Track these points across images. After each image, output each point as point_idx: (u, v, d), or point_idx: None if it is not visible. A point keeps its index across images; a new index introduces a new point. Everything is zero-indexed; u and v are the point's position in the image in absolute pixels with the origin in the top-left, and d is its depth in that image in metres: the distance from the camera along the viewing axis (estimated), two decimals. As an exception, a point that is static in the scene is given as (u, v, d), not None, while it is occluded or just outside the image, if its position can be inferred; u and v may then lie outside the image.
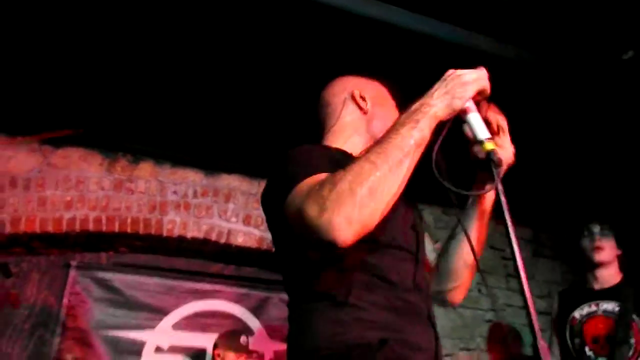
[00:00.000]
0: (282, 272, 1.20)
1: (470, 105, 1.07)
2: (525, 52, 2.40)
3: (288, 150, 1.15)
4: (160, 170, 3.47)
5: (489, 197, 1.22)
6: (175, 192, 3.47)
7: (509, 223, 1.03)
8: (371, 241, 1.09)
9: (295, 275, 1.15)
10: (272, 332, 3.72)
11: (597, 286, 2.55)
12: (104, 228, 3.23)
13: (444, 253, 1.30)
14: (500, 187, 1.02)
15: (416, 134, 0.99)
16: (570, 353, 2.49)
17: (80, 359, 2.97)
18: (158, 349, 3.46)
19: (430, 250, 1.36)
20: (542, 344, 0.92)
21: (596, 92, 2.67)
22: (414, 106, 1.04)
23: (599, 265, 2.54)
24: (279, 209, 1.07)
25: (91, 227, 3.21)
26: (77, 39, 2.41)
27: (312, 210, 0.94)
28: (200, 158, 3.50)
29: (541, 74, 2.47)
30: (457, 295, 1.30)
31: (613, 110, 2.83)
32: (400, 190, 0.99)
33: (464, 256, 1.26)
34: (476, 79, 1.06)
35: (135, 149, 3.39)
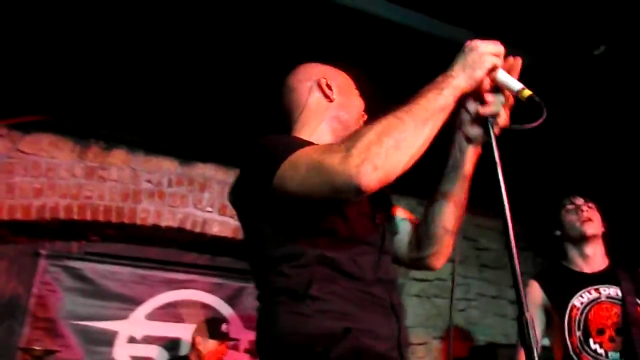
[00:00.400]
0: (253, 273, 1.23)
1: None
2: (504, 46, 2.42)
3: (259, 140, 1.16)
4: (134, 158, 3.41)
5: (471, 161, 1.24)
6: (149, 181, 3.41)
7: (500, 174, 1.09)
8: (330, 235, 1.12)
9: (260, 271, 1.17)
10: (247, 321, 3.72)
11: (587, 269, 2.16)
12: (75, 216, 3.17)
13: (424, 219, 1.31)
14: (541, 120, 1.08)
15: (441, 100, 1.05)
16: (567, 348, 2.05)
17: (50, 350, 2.90)
18: (131, 339, 3.43)
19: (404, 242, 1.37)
20: (528, 315, 0.94)
21: (568, 87, 2.72)
22: (438, 78, 1.09)
23: (589, 240, 2.16)
24: (262, 190, 1.08)
25: (62, 215, 3.14)
26: (46, 22, 2.34)
27: (334, 159, 0.97)
28: (175, 146, 3.45)
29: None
30: (438, 261, 1.32)
31: (585, 105, 2.89)
32: (423, 150, 1.02)
33: (444, 222, 1.27)
34: (492, 49, 1.12)
35: (108, 135, 3.33)
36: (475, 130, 1.20)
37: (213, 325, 3.18)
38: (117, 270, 3.48)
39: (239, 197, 1.20)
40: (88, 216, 3.20)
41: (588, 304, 2.07)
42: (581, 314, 2.06)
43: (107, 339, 3.36)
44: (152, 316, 3.51)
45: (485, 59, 1.10)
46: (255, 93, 2.79)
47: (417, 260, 1.34)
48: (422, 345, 3.88)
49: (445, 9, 2.25)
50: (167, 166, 3.49)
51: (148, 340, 3.47)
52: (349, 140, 1.00)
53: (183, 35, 2.44)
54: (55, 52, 2.55)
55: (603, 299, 2.07)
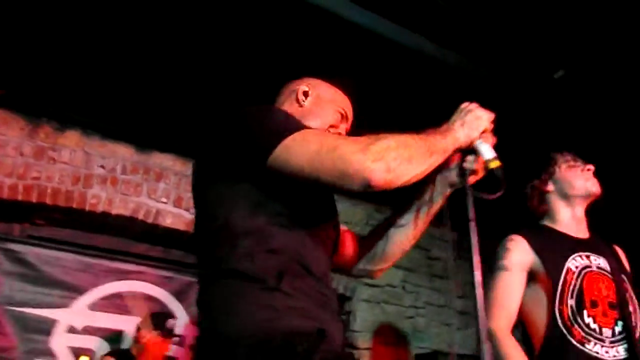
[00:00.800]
0: (200, 247, 1.15)
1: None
2: (465, 61, 2.48)
3: (253, 107, 1.15)
4: (88, 141, 3.29)
5: (443, 201, 1.39)
6: (102, 166, 3.30)
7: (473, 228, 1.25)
8: (302, 228, 1.12)
9: (214, 244, 1.09)
10: (195, 318, 3.64)
11: (574, 233, 1.90)
12: (19, 197, 3.02)
13: (384, 238, 1.42)
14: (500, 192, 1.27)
15: (444, 144, 1.18)
16: (555, 319, 1.72)
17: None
18: (71, 329, 3.30)
19: None
20: (487, 345, 1.01)
21: (528, 109, 2.81)
22: (440, 128, 1.21)
23: (587, 202, 1.93)
24: (253, 156, 1.05)
25: (5, 194, 2.99)
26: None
27: (353, 147, 1.01)
28: (133, 132, 3.35)
29: (478, 83, 2.57)
30: (380, 273, 1.48)
31: (544, 126, 2.99)
32: (421, 176, 1.10)
33: (402, 244, 1.42)
34: (487, 116, 1.27)
35: (62, 115, 3.19)
36: (455, 178, 1.36)
37: (159, 319, 3.11)
38: (62, 257, 3.34)
39: (212, 154, 1.14)
40: (34, 198, 3.06)
41: (582, 269, 1.79)
42: (576, 279, 1.77)
43: (45, 328, 3.21)
44: (95, 306, 3.39)
45: (480, 122, 1.25)
46: (220, 89, 2.76)
47: (363, 271, 1.46)
48: (367, 350, 3.91)
49: (416, 20, 2.29)
50: (123, 152, 3.38)
51: (89, 331, 3.34)
52: (368, 138, 1.04)
53: (151, 23, 2.37)
54: (11, 23, 2.42)
55: (594, 268, 1.80)
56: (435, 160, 1.14)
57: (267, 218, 1.08)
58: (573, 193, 1.92)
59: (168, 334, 3.08)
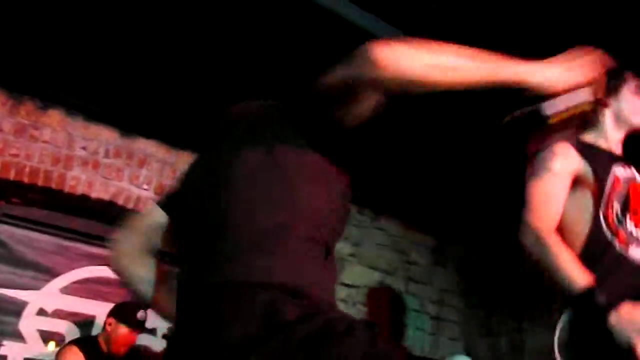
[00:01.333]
0: (257, 179, 1.01)
1: None
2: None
3: None
4: (71, 121, 3.23)
5: None
6: (84, 148, 3.25)
7: None
8: (343, 219, 1.07)
9: (294, 194, 0.98)
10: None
11: (614, 151, 1.85)
12: (-4, 174, 2.96)
13: None
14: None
15: (509, 67, 1.05)
16: (599, 224, 1.69)
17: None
18: (41, 312, 3.24)
19: None
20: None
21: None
22: (528, 63, 1.07)
23: (630, 132, 1.89)
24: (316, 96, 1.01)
25: (-19, 170, 2.93)
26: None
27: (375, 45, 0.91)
28: (118, 116, 3.31)
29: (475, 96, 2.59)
30: None
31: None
32: (432, 83, 0.97)
33: None
34: (595, 67, 1.17)
35: (45, 93, 3.13)
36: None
37: (129, 309, 3.02)
38: (36, 238, 3.29)
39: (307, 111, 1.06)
40: (11, 175, 3.00)
41: (627, 178, 1.76)
42: (623, 186, 1.74)
43: (15, 309, 3.16)
44: (67, 290, 3.34)
45: (586, 71, 1.14)
46: (210, 81, 2.74)
47: None
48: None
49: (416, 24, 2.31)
50: (106, 136, 3.33)
51: (59, 314, 3.29)
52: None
53: (147, 14, 2.34)
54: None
55: (638, 179, 1.78)
56: (467, 77, 1.00)
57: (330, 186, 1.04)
58: (629, 119, 1.85)
59: (137, 325, 3.02)
